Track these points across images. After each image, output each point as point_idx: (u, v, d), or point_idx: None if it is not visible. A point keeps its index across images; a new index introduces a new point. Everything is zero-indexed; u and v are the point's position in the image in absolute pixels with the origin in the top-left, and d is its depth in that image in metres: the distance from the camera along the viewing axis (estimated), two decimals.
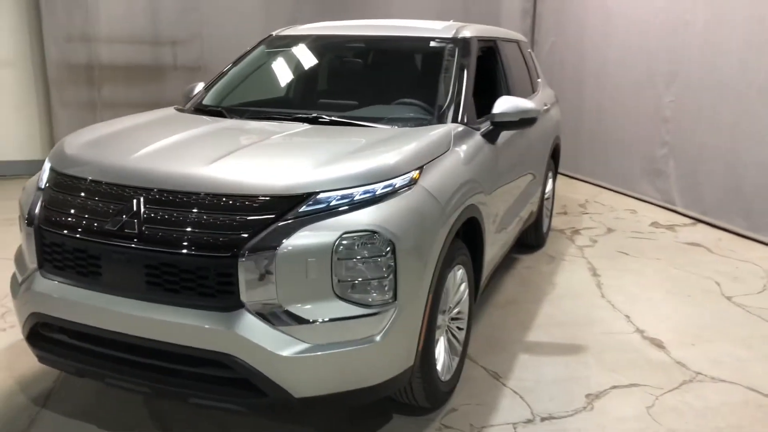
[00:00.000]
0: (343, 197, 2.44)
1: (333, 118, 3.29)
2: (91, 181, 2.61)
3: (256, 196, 2.39)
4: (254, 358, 2.32)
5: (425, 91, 3.58)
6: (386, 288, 2.44)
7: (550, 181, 5.49)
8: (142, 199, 2.46)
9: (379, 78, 4.02)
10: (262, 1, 8.16)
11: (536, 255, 5.27)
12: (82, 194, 2.61)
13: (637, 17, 7.04)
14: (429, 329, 2.70)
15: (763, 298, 4.47)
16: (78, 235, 2.53)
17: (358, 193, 2.46)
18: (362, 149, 2.80)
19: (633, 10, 7.11)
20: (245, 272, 2.30)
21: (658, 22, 6.71)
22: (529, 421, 2.97)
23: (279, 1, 8.19)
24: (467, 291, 3.21)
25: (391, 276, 2.44)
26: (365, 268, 2.40)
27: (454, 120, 3.33)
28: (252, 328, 2.32)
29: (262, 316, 2.33)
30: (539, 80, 5.41)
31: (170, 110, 3.69)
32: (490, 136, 3.55)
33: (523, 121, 3.52)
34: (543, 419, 2.99)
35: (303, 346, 2.34)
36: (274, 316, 2.34)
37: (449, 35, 3.84)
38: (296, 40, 4.19)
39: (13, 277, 2.88)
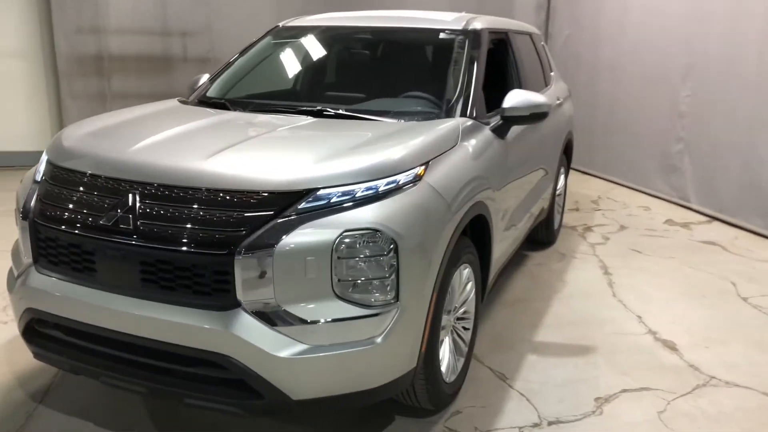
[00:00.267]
0: (344, 194, 2.35)
1: (338, 112, 3.21)
2: (86, 174, 2.55)
3: (254, 192, 2.31)
4: (250, 358, 2.25)
5: (433, 84, 3.48)
6: (388, 288, 2.36)
7: (562, 177, 5.38)
8: (137, 194, 2.40)
9: (386, 70, 3.93)
10: None
11: (547, 252, 5.17)
12: (77, 188, 2.54)
13: (654, 8, 6.88)
14: (433, 330, 2.62)
15: None
16: (72, 230, 2.47)
17: (359, 190, 2.38)
18: (365, 144, 2.71)
19: (650, 1, 6.95)
20: (241, 270, 2.23)
21: (675, 14, 6.55)
22: (535, 425, 2.89)
23: None
24: (474, 290, 3.12)
25: (393, 276, 2.35)
26: (366, 267, 2.32)
27: (463, 114, 3.23)
28: (248, 328, 2.25)
29: (259, 315, 2.26)
30: (552, 74, 5.30)
31: (173, 102, 3.63)
32: (500, 131, 3.45)
33: (534, 116, 3.42)
34: (550, 423, 2.91)
35: (301, 347, 2.27)
36: (272, 316, 2.26)
37: (459, 27, 3.74)
38: (303, 31, 4.10)
39: (10, 271, 2.84)
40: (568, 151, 5.44)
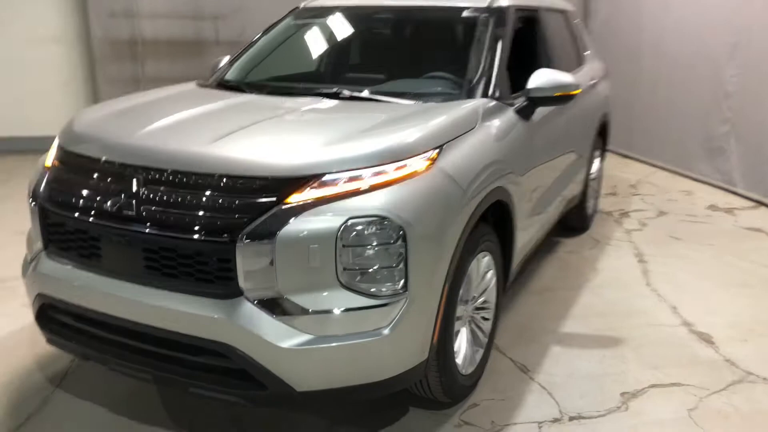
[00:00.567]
0: (351, 179, 2.26)
1: (354, 94, 3.10)
2: (93, 158, 2.51)
3: (257, 178, 2.24)
4: (252, 348, 2.19)
5: (455, 64, 3.34)
6: (396, 277, 2.26)
7: (597, 160, 5.17)
8: (141, 179, 2.35)
9: (407, 50, 3.81)
10: None
11: (579, 239, 4.98)
12: (84, 173, 2.51)
13: None
14: (446, 321, 2.51)
15: None
16: (78, 216, 2.44)
17: (367, 175, 2.28)
18: (377, 127, 2.60)
19: None
20: (243, 258, 2.17)
21: None
22: (556, 420, 2.77)
23: None
24: (495, 279, 3.00)
25: (401, 265, 2.26)
26: (373, 256, 2.22)
27: (485, 95, 3.09)
28: (251, 317, 2.18)
29: (261, 304, 2.19)
30: (587, 53, 5.07)
31: (190, 85, 3.58)
32: (525, 113, 3.29)
33: (561, 97, 3.25)
34: (571, 418, 2.78)
35: (305, 337, 2.20)
36: (274, 305, 2.20)
37: (484, 4, 3.58)
38: (324, 11, 4.00)
39: (26, 256, 2.84)
40: (603, 133, 5.22)
